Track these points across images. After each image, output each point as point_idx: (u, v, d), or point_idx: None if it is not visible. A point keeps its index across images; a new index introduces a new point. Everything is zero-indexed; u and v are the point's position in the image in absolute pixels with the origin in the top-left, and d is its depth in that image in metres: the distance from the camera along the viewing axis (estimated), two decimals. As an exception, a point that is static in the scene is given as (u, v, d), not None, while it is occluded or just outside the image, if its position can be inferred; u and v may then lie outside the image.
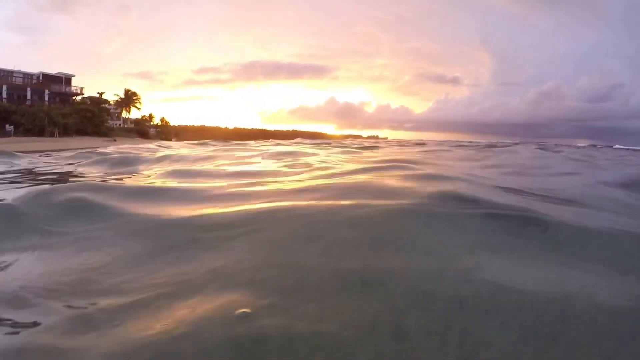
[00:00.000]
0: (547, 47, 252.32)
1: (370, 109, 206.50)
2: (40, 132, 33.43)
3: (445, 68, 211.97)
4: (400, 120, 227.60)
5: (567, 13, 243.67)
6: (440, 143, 20.48)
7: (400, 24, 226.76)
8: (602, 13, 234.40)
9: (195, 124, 75.10)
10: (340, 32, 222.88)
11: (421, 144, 20.63)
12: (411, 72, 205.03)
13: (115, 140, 35.34)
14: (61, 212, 2.23)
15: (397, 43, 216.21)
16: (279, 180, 3.66)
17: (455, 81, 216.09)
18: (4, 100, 37.13)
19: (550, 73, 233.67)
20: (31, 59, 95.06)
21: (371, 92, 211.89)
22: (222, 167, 5.33)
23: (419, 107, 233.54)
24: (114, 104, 52.11)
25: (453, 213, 2.06)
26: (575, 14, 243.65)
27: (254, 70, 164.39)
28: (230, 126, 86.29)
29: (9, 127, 32.62)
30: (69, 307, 1.24)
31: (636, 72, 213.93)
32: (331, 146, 13.55)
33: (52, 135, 33.72)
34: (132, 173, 5.31)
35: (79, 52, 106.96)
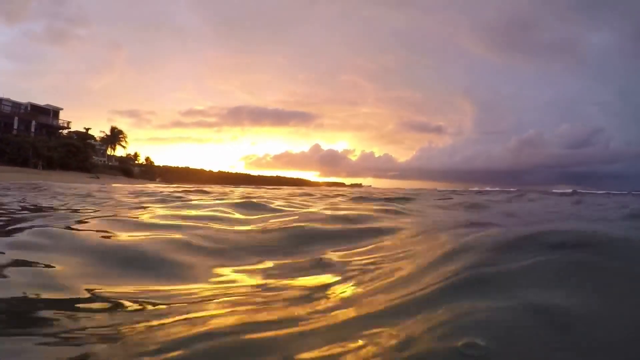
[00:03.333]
0: (528, 96, 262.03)
1: (354, 157, 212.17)
2: (24, 162, 33.68)
3: (429, 117, 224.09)
4: (384, 169, 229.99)
5: (547, 62, 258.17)
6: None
7: (385, 74, 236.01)
8: (580, 61, 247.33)
9: (180, 166, 75.67)
10: (326, 80, 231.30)
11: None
12: (395, 120, 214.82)
13: (98, 178, 35.80)
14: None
15: (381, 92, 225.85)
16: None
17: (438, 130, 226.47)
18: (-10, 127, 37.44)
19: (531, 121, 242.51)
20: (21, 88, 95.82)
21: (355, 140, 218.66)
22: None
23: (403, 155, 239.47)
24: (100, 141, 52.79)
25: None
26: (555, 63, 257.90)
27: (240, 115, 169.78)
28: (215, 170, 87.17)
29: (-8, 155, 32.73)
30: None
31: (615, 117, 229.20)
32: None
33: (35, 166, 33.96)
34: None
35: (69, 85, 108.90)
